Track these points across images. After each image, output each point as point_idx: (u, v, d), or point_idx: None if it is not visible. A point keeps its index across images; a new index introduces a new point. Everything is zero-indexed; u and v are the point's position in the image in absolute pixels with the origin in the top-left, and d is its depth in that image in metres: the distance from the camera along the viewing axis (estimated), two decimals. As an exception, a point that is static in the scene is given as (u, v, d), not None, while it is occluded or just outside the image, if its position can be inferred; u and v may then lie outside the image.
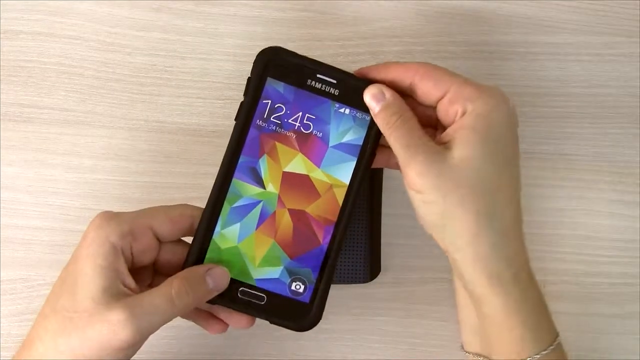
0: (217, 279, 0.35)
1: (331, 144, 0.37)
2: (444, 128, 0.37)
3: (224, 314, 0.38)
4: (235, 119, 0.36)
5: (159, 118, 0.47)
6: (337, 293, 0.47)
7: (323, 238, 0.37)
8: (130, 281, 0.34)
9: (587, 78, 0.48)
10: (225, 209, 0.36)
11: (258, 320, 0.46)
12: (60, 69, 0.47)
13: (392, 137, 0.35)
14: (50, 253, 0.46)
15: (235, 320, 0.38)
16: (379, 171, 0.47)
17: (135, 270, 0.36)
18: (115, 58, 0.47)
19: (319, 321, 0.36)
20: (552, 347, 0.37)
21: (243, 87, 0.48)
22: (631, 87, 0.48)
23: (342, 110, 0.36)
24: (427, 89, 0.36)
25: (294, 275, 0.36)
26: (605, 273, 0.48)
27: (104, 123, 0.47)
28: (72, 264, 0.34)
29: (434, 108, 0.37)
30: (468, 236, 0.35)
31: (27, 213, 0.47)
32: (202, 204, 0.47)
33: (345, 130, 0.37)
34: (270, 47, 0.36)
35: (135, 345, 0.33)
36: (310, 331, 0.46)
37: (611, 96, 0.48)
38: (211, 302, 0.35)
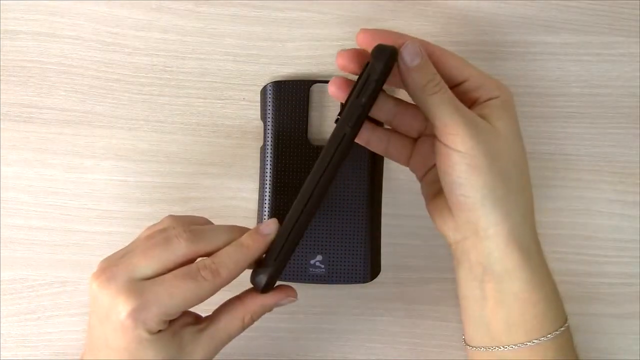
0: (284, 303, 0.37)
1: None
2: None
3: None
4: (349, 132, 0.33)
5: (159, 118, 0.47)
6: (337, 293, 0.47)
7: None
8: (183, 321, 0.35)
9: (587, 78, 0.48)
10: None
11: (258, 322, 0.46)
12: (60, 69, 0.47)
13: (439, 95, 0.35)
14: (50, 253, 0.47)
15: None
16: (379, 171, 0.47)
17: None
18: (115, 58, 0.47)
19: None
20: (566, 325, 0.38)
21: (243, 87, 0.48)
22: (631, 87, 0.48)
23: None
24: (450, 70, 0.36)
25: None
26: (605, 273, 0.48)
27: (104, 123, 0.47)
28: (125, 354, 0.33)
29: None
30: (507, 208, 0.35)
31: (27, 213, 0.47)
32: (202, 203, 0.47)
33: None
34: (392, 51, 0.33)
35: None
36: (310, 331, 0.47)
37: (611, 96, 0.48)
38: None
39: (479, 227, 0.36)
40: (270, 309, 0.36)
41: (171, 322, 0.34)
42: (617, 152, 0.48)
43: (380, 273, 0.47)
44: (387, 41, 0.35)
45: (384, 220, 0.47)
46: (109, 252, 0.47)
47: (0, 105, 0.47)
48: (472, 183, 0.35)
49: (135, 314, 0.32)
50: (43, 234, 0.47)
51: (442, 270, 0.47)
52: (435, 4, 0.48)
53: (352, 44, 0.47)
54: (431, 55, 0.36)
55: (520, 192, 0.36)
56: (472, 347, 0.39)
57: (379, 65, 0.32)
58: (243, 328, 0.36)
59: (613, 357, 0.48)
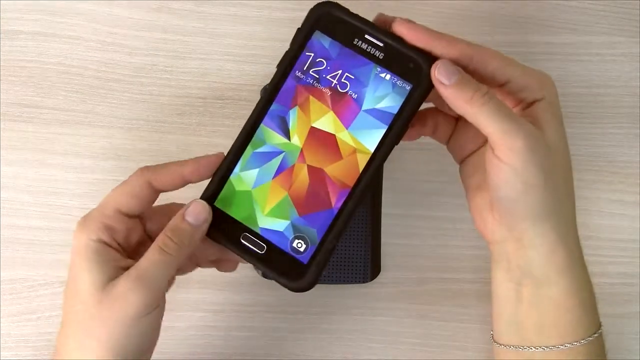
0: (194, 214, 0.34)
1: (364, 107, 0.35)
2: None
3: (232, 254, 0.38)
4: (277, 67, 0.36)
5: (159, 118, 0.47)
6: (337, 293, 0.47)
7: (336, 202, 0.35)
8: (128, 262, 0.34)
9: (587, 78, 0.48)
10: (248, 152, 0.35)
11: (258, 322, 0.46)
12: (60, 69, 0.47)
13: (492, 105, 0.32)
14: (50, 253, 0.46)
15: (225, 263, 0.39)
16: (379, 171, 0.47)
17: (137, 251, 0.36)
18: (115, 58, 0.47)
19: (312, 286, 0.35)
20: (600, 331, 0.37)
21: (243, 87, 0.48)
22: (631, 87, 0.48)
23: (382, 75, 0.35)
24: (492, 73, 0.35)
25: (298, 233, 0.35)
26: (605, 273, 0.48)
27: (104, 123, 0.47)
28: (69, 278, 0.34)
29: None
30: (556, 220, 0.35)
31: (27, 213, 0.47)
32: (202, 204, 0.47)
33: (381, 96, 0.35)
34: (327, 1, 0.35)
35: (150, 306, 0.33)
36: (310, 331, 0.47)
37: (611, 96, 0.48)
38: (214, 239, 0.35)
39: (525, 237, 0.35)
40: (182, 221, 0.34)
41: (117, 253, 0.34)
42: (617, 152, 0.48)
43: (380, 273, 0.47)
44: (423, 41, 0.34)
45: (384, 220, 0.47)
46: (109, 252, 0.47)
47: (0, 105, 0.47)
48: (525, 200, 0.34)
49: (82, 221, 0.35)
50: (43, 234, 0.47)
51: (442, 270, 0.47)
52: (435, 4, 0.48)
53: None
54: (470, 60, 0.34)
55: (567, 201, 0.36)
56: (501, 345, 0.39)
57: (305, 20, 0.36)
58: (160, 249, 0.33)
59: (613, 357, 0.47)
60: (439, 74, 0.33)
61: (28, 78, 0.47)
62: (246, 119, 0.35)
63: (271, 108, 0.35)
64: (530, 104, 0.36)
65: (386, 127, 0.35)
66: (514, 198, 0.34)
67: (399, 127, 0.35)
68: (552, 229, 0.35)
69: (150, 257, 0.33)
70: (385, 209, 0.47)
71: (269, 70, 0.47)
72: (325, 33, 0.35)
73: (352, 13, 0.35)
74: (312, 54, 0.35)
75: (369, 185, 0.35)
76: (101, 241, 0.34)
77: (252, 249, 0.35)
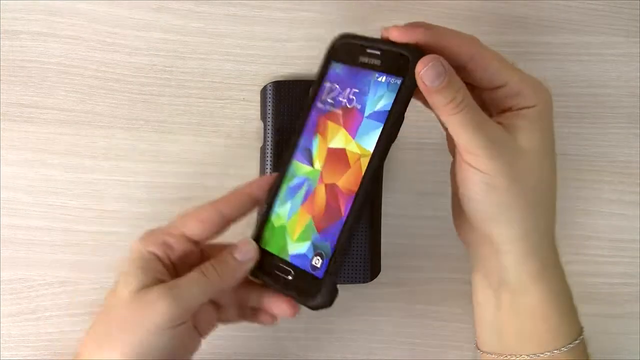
0: (242, 251, 0.36)
1: (366, 114, 0.35)
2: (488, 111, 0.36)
3: (269, 303, 0.38)
4: (304, 104, 0.37)
5: (159, 118, 0.47)
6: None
7: (345, 210, 0.35)
8: (169, 279, 0.35)
9: (587, 78, 0.48)
10: (283, 189, 0.36)
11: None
12: (60, 69, 0.47)
13: (460, 116, 0.33)
14: (50, 253, 0.47)
15: (279, 308, 0.38)
16: (379, 171, 0.47)
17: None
18: (115, 58, 0.47)
19: (329, 302, 0.35)
20: (581, 337, 0.37)
21: (243, 87, 0.48)
22: (631, 87, 0.48)
23: (380, 78, 0.35)
24: (490, 75, 0.34)
25: (317, 250, 0.35)
26: (605, 273, 0.48)
27: (104, 123, 0.47)
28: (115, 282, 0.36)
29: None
30: (524, 227, 0.35)
31: (27, 213, 0.47)
32: (202, 203, 0.47)
33: (378, 98, 0.35)
34: (341, 34, 0.36)
35: (176, 319, 0.33)
36: (310, 331, 0.47)
37: (611, 96, 0.48)
38: (253, 275, 0.36)
39: (495, 241, 0.36)
40: (229, 255, 0.35)
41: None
42: (617, 152, 0.48)
43: (380, 273, 0.47)
44: (419, 39, 0.33)
45: (384, 220, 0.47)
46: (109, 252, 0.47)
47: (0, 105, 0.47)
48: (488, 201, 0.34)
49: (146, 233, 0.36)
50: (43, 234, 0.47)
51: (442, 270, 0.47)
52: (435, 4, 0.48)
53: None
54: (470, 60, 0.34)
55: (542, 210, 0.36)
56: (484, 352, 0.39)
57: (324, 57, 0.37)
58: (202, 272, 0.35)
59: (613, 357, 0.48)
60: (426, 75, 0.32)
61: (28, 78, 0.47)
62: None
63: (299, 143, 0.36)
64: (517, 111, 0.35)
65: (382, 125, 0.34)
66: (478, 198, 0.34)
67: (392, 121, 0.34)
68: (521, 236, 0.35)
69: (189, 275, 0.34)
70: (385, 209, 0.47)
71: (269, 70, 0.48)
72: (338, 61, 0.36)
73: (360, 36, 0.36)
74: (329, 83, 0.36)
75: (370, 186, 0.35)
76: (153, 253, 0.35)
77: (282, 276, 0.36)
